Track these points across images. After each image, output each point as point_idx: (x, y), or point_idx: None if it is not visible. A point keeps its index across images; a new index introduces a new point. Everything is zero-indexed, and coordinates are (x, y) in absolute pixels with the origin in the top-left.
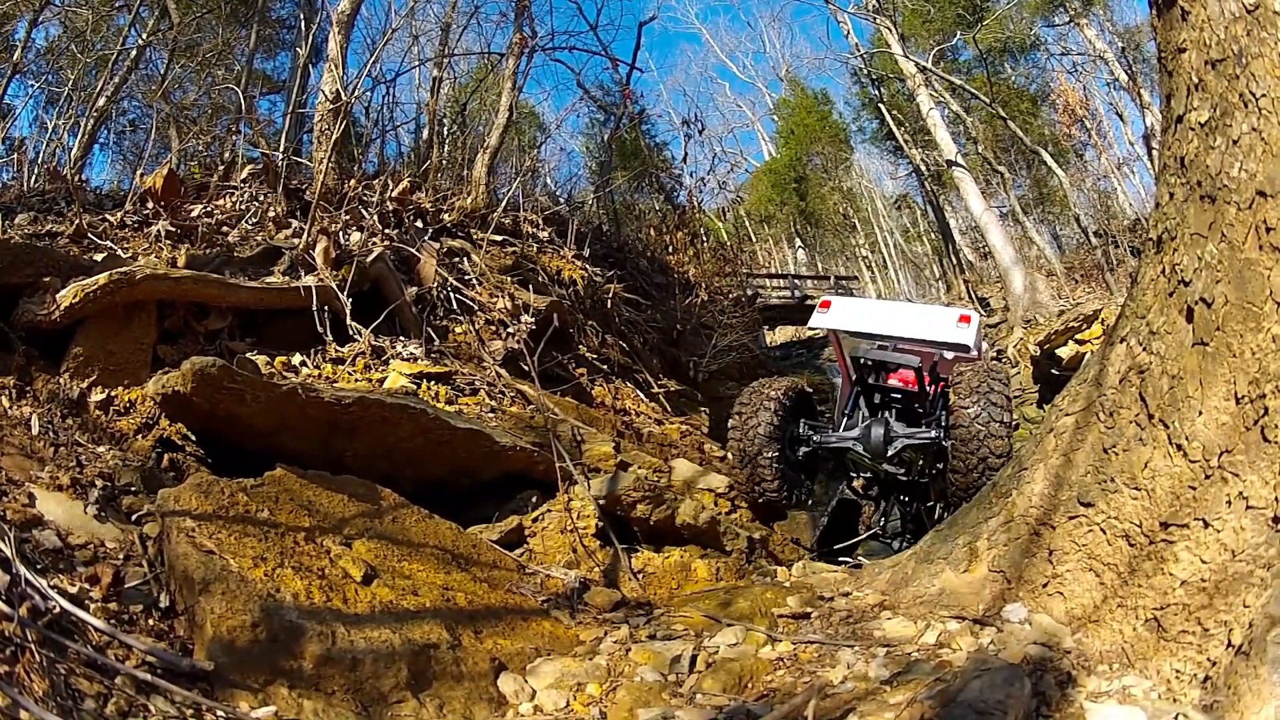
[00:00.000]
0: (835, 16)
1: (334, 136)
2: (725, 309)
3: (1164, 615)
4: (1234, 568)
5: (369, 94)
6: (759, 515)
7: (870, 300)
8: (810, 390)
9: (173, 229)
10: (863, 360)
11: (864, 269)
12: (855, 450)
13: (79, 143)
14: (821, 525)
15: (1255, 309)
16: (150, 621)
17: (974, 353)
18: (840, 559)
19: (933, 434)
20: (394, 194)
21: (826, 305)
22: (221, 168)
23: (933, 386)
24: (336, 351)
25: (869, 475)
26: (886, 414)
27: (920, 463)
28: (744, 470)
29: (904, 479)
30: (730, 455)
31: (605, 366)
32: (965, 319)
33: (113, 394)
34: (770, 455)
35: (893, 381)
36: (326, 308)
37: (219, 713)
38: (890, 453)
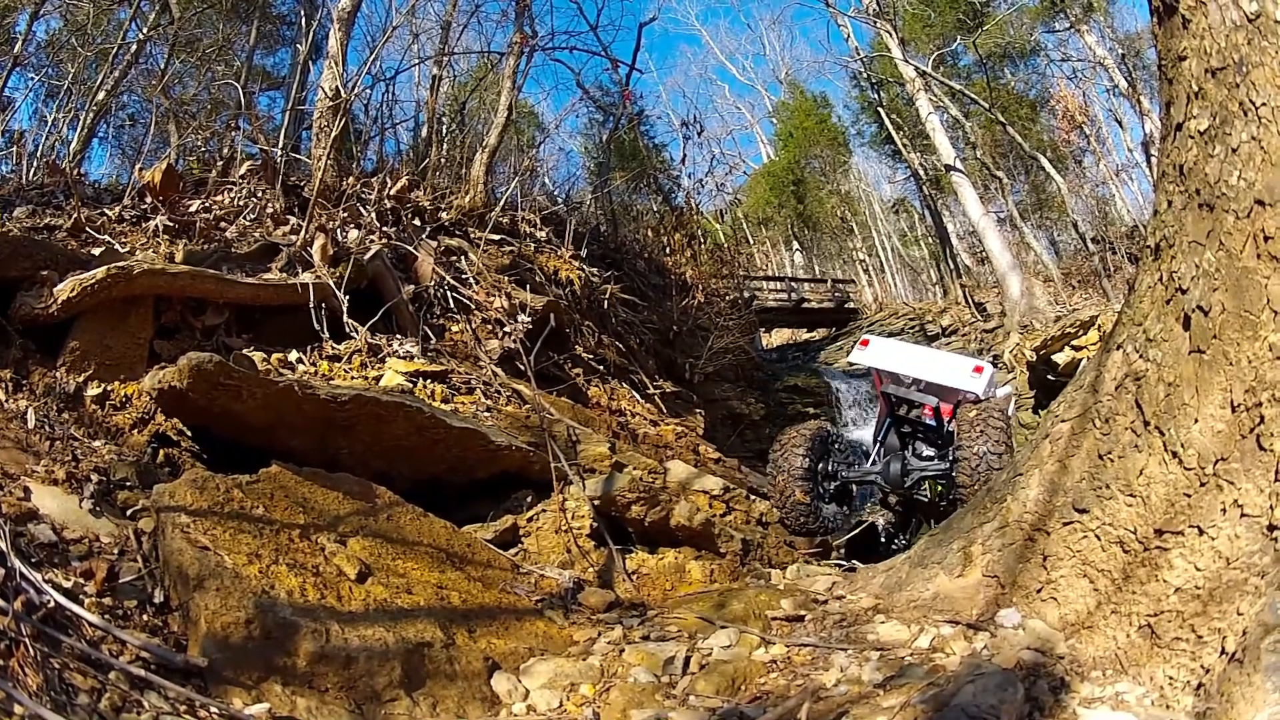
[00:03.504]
0: (836, 20)
1: (333, 133)
2: (722, 311)
3: (1158, 622)
4: (1228, 575)
5: (368, 91)
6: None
7: (901, 343)
8: (834, 431)
9: (171, 224)
10: (893, 396)
11: (861, 272)
12: (878, 481)
13: (78, 136)
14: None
15: (1252, 317)
16: (144, 617)
17: (983, 398)
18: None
19: (943, 466)
20: (392, 192)
21: (866, 343)
22: (220, 163)
23: (951, 420)
24: (333, 349)
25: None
26: (908, 447)
27: (939, 486)
28: (783, 505)
29: (921, 498)
30: (770, 493)
31: (601, 367)
32: (979, 369)
33: (109, 388)
34: (804, 491)
35: (915, 414)
36: (324, 305)
37: (213, 709)
38: (907, 484)
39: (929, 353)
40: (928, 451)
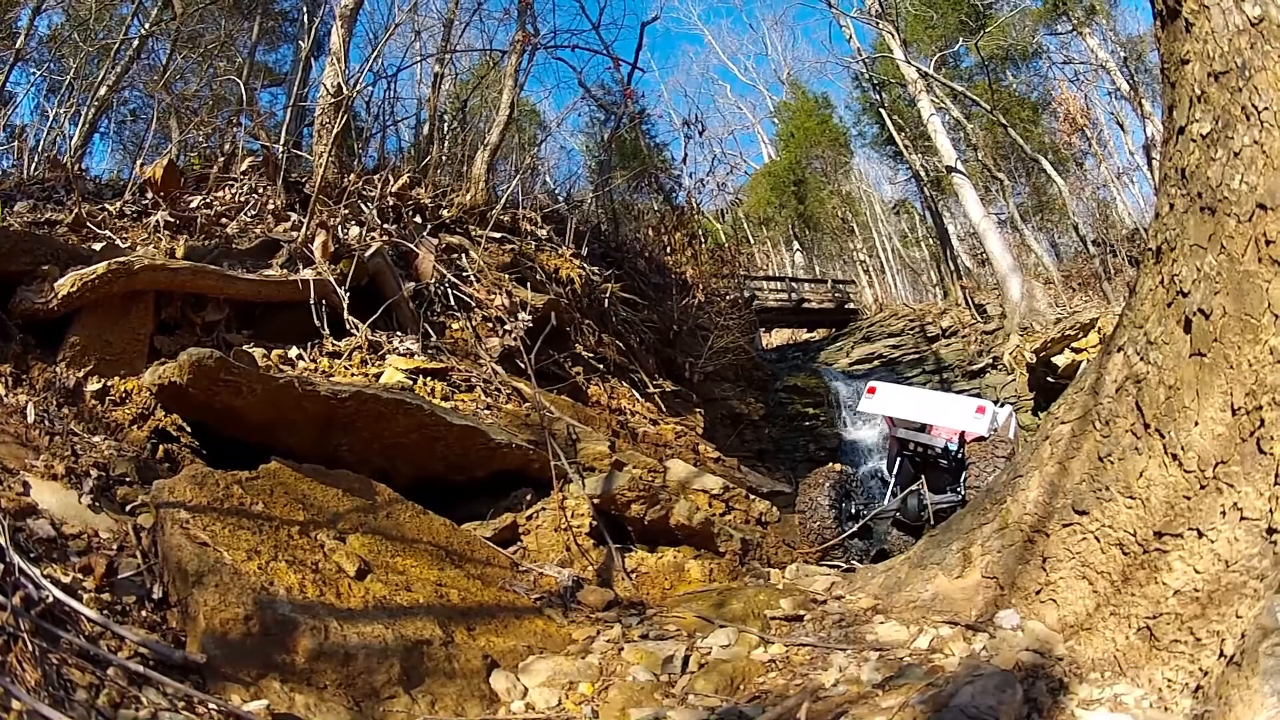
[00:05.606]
0: (838, 21)
1: (334, 130)
2: (722, 310)
3: (1156, 624)
4: (1227, 578)
5: (370, 88)
6: None
7: (907, 389)
8: (851, 472)
9: (172, 220)
10: (903, 438)
11: (861, 273)
12: (898, 518)
13: (79, 132)
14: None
15: (1253, 321)
16: (143, 613)
17: (987, 436)
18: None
19: (956, 498)
20: (393, 189)
21: (873, 391)
22: (221, 159)
23: (959, 450)
24: (333, 346)
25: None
26: (921, 479)
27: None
28: (814, 543)
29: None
30: (800, 533)
31: (601, 366)
32: (981, 409)
33: (109, 384)
34: (834, 534)
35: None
36: (324, 302)
37: (211, 705)
38: (924, 517)
39: (933, 396)
40: (940, 484)
